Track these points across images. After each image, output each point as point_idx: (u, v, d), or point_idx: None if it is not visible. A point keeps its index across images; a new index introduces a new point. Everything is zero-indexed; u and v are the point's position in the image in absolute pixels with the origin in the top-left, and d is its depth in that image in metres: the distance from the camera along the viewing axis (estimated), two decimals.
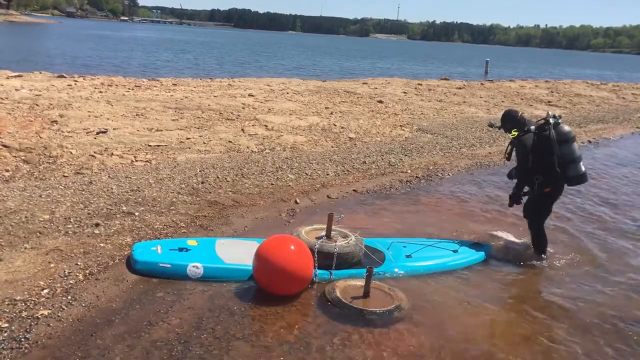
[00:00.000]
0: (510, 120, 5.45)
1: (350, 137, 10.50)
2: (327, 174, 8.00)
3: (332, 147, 9.70)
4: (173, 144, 8.76)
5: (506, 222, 6.79)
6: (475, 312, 4.47)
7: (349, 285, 4.58)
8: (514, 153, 5.40)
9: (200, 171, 7.39)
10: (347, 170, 8.30)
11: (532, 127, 5.26)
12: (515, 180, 5.53)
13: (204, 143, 9.01)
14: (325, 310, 4.28)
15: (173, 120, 10.46)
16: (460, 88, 20.52)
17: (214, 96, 13.78)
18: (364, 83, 19.95)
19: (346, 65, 40.32)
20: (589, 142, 12.55)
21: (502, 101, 17.69)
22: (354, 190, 7.52)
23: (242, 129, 10.26)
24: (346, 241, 4.92)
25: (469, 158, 9.86)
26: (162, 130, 9.49)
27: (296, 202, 6.80)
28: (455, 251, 5.45)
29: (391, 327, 4.10)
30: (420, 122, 12.76)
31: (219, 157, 8.30)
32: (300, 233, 4.97)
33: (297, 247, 4.47)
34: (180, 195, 6.45)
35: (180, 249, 4.75)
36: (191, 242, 4.92)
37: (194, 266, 4.57)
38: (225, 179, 7.24)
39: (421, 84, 20.85)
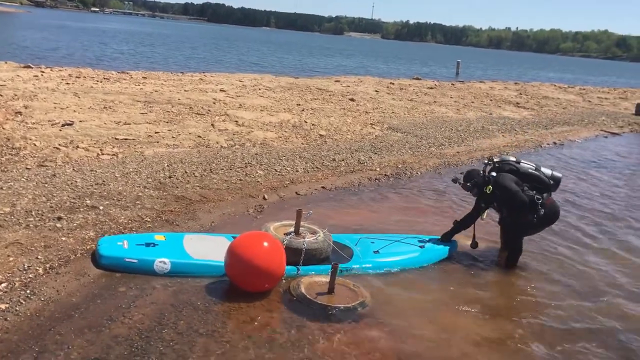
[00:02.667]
0: (473, 178, 5.49)
1: (320, 135, 10.51)
2: (296, 171, 8.00)
3: (303, 144, 9.70)
4: (141, 137, 8.65)
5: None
6: (438, 310, 4.52)
7: (314, 282, 4.59)
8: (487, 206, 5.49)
9: (168, 165, 7.31)
10: (317, 167, 8.30)
11: (493, 173, 5.36)
12: None
13: (173, 137, 8.92)
14: (290, 306, 4.29)
15: (142, 113, 10.33)
16: (431, 88, 20.73)
17: (185, 90, 13.66)
18: (336, 81, 20.00)
19: (310, 62, 40.22)
20: (554, 143, 12.81)
21: (472, 102, 17.93)
22: (323, 187, 7.54)
23: (212, 124, 10.19)
24: (314, 237, 4.94)
25: (437, 157, 9.96)
26: (130, 124, 9.36)
27: (264, 198, 6.79)
28: (422, 247, 5.51)
29: (354, 324, 4.13)
30: (390, 120, 12.85)
31: (187, 151, 8.22)
32: (268, 229, 4.96)
33: (270, 244, 4.45)
34: (146, 190, 6.37)
35: (148, 244, 4.68)
36: (159, 237, 4.85)
37: (161, 261, 4.51)
38: (193, 173, 7.17)
39: (393, 83, 21.00)
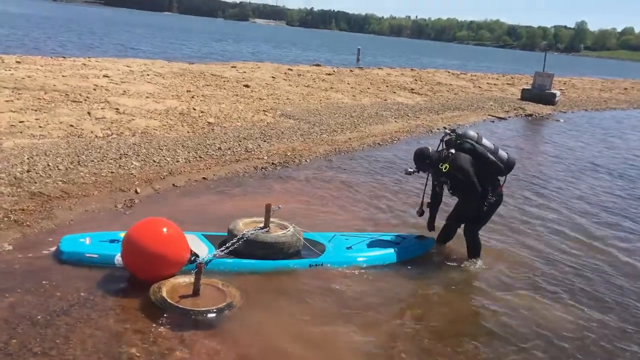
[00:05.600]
0: (424, 159, 5.26)
1: (208, 122, 10.02)
2: (177, 161, 7.51)
3: (188, 132, 9.18)
4: (2, 127, 7.78)
5: (358, 208, 6.77)
6: (312, 316, 4.17)
7: (178, 284, 4.20)
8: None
9: (28, 158, 6.58)
10: (200, 157, 7.85)
11: (452, 151, 5.13)
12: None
13: (40, 127, 8.10)
14: (148, 313, 3.87)
15: (7, 101, 9.33)
16: (329, 74, 20.61)
17: (63, 76, 12.59)
18: (232, 67, 19.38)
19: (207, 48, 39.02)
20: (445, 128, 13.04)
21: (368, 88, 18.01)
22: (204, 178, 7.11)
23: (89, 112, 9.40)
24: (283, 232, 4.88)
25: (328, 144, 9.79)
26: None
27: (136, 191, 6.26)
28: (397, 244, 5.39)
29: (218, 328, 3.80)
30: (284, 107, 12.55)
31: (55, 142, 7.48)
32: (237, 224, 4.92)
33: (169, 230, 4.31)
34: None
35: (112, 241, 4.66)
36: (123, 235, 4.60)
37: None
38: (57, 167, 6.50)
39: (291, 69, 20.68)
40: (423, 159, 5.28)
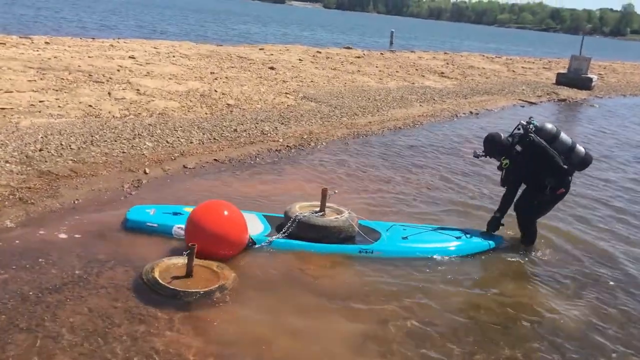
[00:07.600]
0: (494, 145, 5.18)
1: (228, 104, 9.99)
2: (191, 142, 7.50)
3: (206, 113, 9.16)
4: (21, 106, 7.90)
5: (369, 190, 6.66)
6: (313, 304, 4.08)
7: (172, 264, 4.18)
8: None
9: (42, 137, 6.65)
10: (214, 139, 7.83)
11: (518, 148, 5.02)
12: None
13: (59, 107, 8.20)
14: (139, 293, 3.86)
15: (30, 81, 9.49)
16: (358, 57, 20.37)
17: (89, 57, 12.73)
18: (260, 49, 19.32)
19: (236, 30, 38.99)
20: (471, 112, 12.73)
21: (397, 71, 17.71)
22: (215, 160, 7.08)
23: (109, 93, 9.48)
24: (335, 217, 4.96)
25: (347, 127, 9.64)
26: (12, 92, 8.55)
27: (145, 172, 6.27)
28: (458, 238, 5.26)
29: (206, 310, 3.75)
30: (307, 90, 12.42)
31: (71, 122, 7.55)
32: (293, 207, 5.05)
33: (230, 212, 4.52)
34: (7, 164, 5.73)
35: (175, 213, 4.94)
36: (188, 209, 4.90)
37: (179, 227, 4.71)
38: (70, 146, 6.56)
39: (320, 52, 20.50)
40: (492, 145, 5.21)
